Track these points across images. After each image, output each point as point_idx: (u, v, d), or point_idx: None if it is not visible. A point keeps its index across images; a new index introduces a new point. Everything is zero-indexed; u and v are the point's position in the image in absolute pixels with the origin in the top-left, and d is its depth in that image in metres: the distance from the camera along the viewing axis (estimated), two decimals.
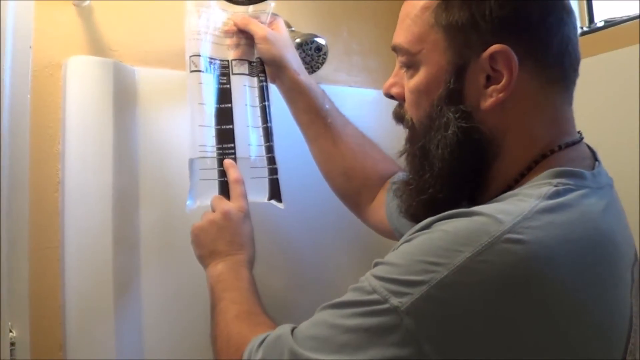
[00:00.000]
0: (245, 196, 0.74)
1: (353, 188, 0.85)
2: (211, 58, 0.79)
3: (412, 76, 0.56)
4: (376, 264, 0.50)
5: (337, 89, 1.01)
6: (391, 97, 0.62)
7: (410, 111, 0.58)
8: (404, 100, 0.59)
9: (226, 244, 0.71)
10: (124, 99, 0.81)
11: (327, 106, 0.83)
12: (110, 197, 0.77)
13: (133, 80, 0.83)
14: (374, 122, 0.94)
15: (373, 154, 0.86)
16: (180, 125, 0.81)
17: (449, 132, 0.52)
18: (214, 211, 0.74)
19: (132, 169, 0.82)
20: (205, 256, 0.72)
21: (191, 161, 0.76)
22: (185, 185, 0.77)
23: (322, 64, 0.92)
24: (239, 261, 0.70)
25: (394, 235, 0.79)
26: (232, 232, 0.71)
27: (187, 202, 0.76)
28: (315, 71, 0.92)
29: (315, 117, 0.83)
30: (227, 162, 0.77)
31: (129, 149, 0.82)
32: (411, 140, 0.58)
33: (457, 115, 0.52)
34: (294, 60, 0.81)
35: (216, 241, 0.71)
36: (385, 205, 0.81)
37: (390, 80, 0.61)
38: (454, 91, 0.53)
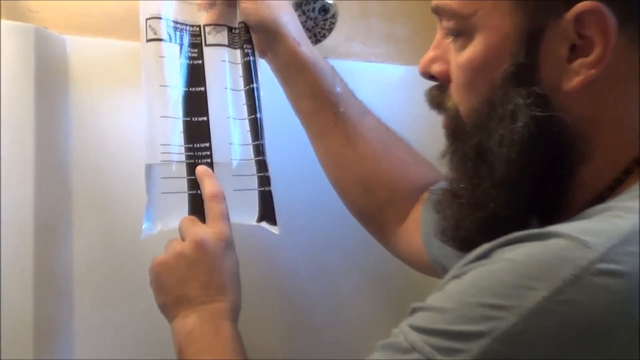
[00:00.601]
0: (226, 217, 0.75)
1: (375, 203, 0.87)
2: (176, 22, 0.81)
3: (462, 47, 0.57)
4: (414, 310, 0.51)
5: (351, 64, 1.03)
6: (431, 77, 0.63)
7: (458, 96, 0.60)
8: (448, 80, 0.61)
9: (200, 287, 0.72)
10: (49, 79, 0.82)
11: (338, 89, 0.84)
12: (31, 221, 0.78)
13: (63, 53, 0.85)
14: (402, 110, 0.94)
15: (402, 155, 0.88)
16: (132, 116, 0.82)
17: (518, 124, 0.53)
18: (182, 239, 0.75)
19: (62, 178, 0.83)
20: (170, 305, 0.72)
21: (148, 168, 0.77)
22: (139, 202, 0.78)
23: (329, 30, 0.94)
24: (218, 311, 0.71)
25: (434, 269, 0.81)
26: (208, 269, 0.72)
27: (143, 226, 0.77)
28: (320, 41, 0.95)
29: (322, 104, 0.84)
30: (201, 169, 0.78)
31: (58, 149, 0.83)
32: (459, 136, 0.60)
33: (528, 101, 0.53)
34: (292, 25, 0.83)
35: (186, 283, 0.72)
36: (422, 226, 0.82)
37: (430, 53, 0.62)
38: (524, 67, 0.53)
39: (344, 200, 0.90)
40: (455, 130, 0.60)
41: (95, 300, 0.85)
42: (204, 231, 0.74)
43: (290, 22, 0.82)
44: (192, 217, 0.77)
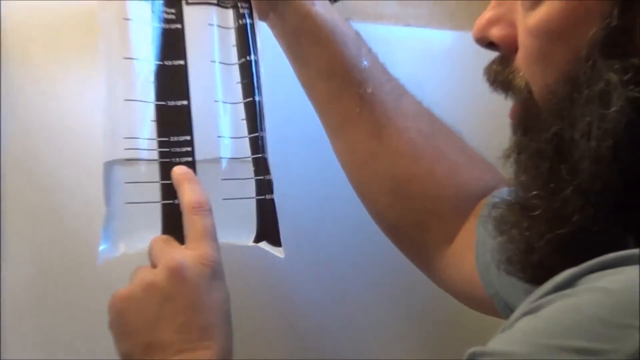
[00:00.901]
0: (213, 235, 0.74)
1: (412, 216, 0.86)
2: None
3: (534, 6, 0.55)
4: (474, 357, 0.50)
5: (383, 30, 1.01)
6: (489, 44, 0.61)
7: (529, 70, 0.58)
8: (514, 49, 0.59)
9: (177, 330, 0.70)
10: None
11: (365, 63, 0.82)
12: None
13: None
14: (451, 90, 0.94)
15: (451, 152, 0.86)
16: (87, 100, 0.81)
17: (611, 108, 0.50)
18: (154, 266, 0.73)
19: None
20: (138, 353, 0.71)
21: (108, 168, 0.75)
22: (94, 214, 0.76)
23: None
24: None
25: (491, 305, 0.79)
26: (188, 305, 0.71)
27: (100, 248, 0.75)
28: None
29: (342, 84, 0.82)
30: (180, 171, 0.76)
31: None
32: (531, 126, 0.58)
33: (625, 77, 0.50)
34: None
35: (158, 325, 0.70)
36: (476, 248, 0.81)
37: (489, 13, 0.61)
38: (618, 32, 0.51)
39: (371, 211, 0.88)
40: (526, 119, 0.58)
41: (30, 351, 0.84)
42: (183, 255, 0.71)
43: None
44: (167, 237, 0.75)
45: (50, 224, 0.86)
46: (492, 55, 0.61)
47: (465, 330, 1.04)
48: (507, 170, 0.61)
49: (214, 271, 0.72)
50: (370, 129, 0.84)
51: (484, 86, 0.61)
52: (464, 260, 0.83)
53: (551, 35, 0.54)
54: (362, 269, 1.02)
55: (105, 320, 0.73)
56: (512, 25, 0.58)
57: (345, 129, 0.85)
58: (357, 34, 0.84)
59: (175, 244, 0.74)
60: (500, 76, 0.60)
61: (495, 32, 0.59)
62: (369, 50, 0.85)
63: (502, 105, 0.61)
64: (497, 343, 0.49)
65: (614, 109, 0.50)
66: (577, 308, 0.46)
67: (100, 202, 0.76)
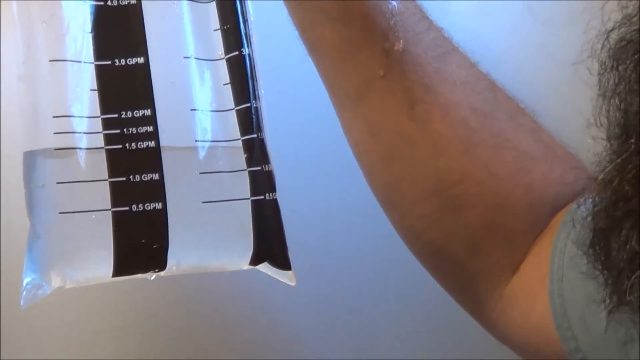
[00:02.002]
0: None
1: (462, 233, 0.71)
2: None
3: None
4: None
5: None
6: None
7: None
8: None
9: None
10: None
11: (393, 2, 0.68)
12: None
13: None
14: (521, 47, 0.86)
15: (521, 138, 0.71)
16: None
17: None
18: None
19: None
20: None
21: (30, 160, 0.64)
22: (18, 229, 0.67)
23: None
24: None
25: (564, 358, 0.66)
26: None
27: (25, 281, 0.63)
28: None
29: (360, 33, 0.69)
30: None
31: None
32: None
33: None
34: None
35: None
36: (551, 280, 0.66)
37: None
38: None
39: (400, 224, 0.74)
40: None
41: None
42: None
43: None
44: None
45: None
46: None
47: None
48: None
49: None
50: (400, 102, 0.68)
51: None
52: (533, 297, 0.68)
53: None
54: (382, 290, 0.96)
55: None
56: None
57: (363, 100, 0.70)
58: None
59: None
60: None
61: None
62: None
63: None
64: None
65: None
66: None
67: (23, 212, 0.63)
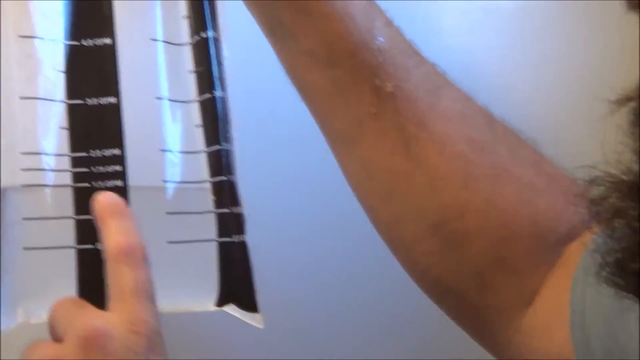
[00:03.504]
0: (148, 294, 0.62)
1: (468, 268, 0.71)
2: None
3: None
4: None
5: None
6: None
7: None
8: None
9: None
10: None
11: (380, 40, 0.68)
12: None
13: None
14: (512, 70, 0.86)
15: (521, 170, 0.72)
16: None
17: None
18: (58, 339, 0.62)
19: None
20: None
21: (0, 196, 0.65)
22: None
23: None
24: None
25: None
26: None
27: None
28: None
29: (349, 73, 0.69)
30: (103, 199, 0.64)
31: None
32: None
33: None
34: None
35: None
36: (572, 310, 0.66)
37: None
38: None
39: (405, 261, 0.74)
40: None
41: None
42: (103, 320, 0.61)
43: None
44: (76, 299, 0.64)
45: None
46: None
47: None
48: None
49: (150, 342, 0.61)
50: (395, 140, 0.69)
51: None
52: (551, 330, 0.69)
53: None
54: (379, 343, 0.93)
55: None
56: None
57: (358, 141, 0.71)
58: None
59: (90, 307, 0.62)
60: None
61: None
62: (388, 22, 0.70)
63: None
64: None
65: None
66: None
67: None
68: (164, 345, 0.62)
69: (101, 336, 0.58)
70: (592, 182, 0.50)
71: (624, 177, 0.49)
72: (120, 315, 0.60)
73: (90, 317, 0.60)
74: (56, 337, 0.61)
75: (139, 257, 0.62)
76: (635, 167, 0.48)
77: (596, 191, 0.50)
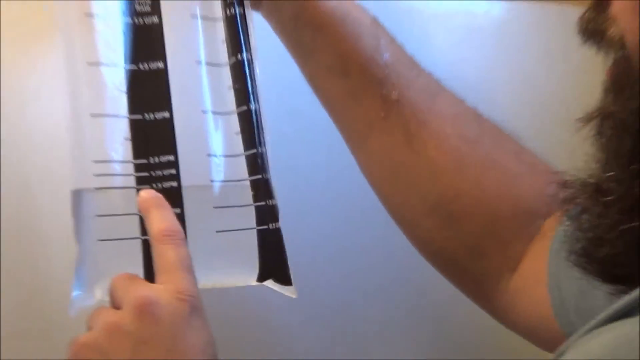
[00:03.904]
0: (188, 267, 0.70)
1: (462, 241, 0.81)
2: None
3: None
4: None
5: (414, 5, 0.98)
6: None
7: (626, 19, 0.54)
8: None
9: None
10: None
11: (385, 56, 0.77)
12: None
13: None
14: (500, 77, 0.90)
15: (505, 158, 0.81)
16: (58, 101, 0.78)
17: None
18: (117, 307, 0.69)
19: None
20: None
21: (76, 197, 0.71)
22: (64, 252, 0.74)
23: None
24: None
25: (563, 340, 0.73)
26: (163, 350, 0.66)
27: (73, 294, 0.71)
28: None
29: (360, 84, 0.78)
30: (145, 195, 0.72)
31: None
32: (620, 89, 0.54)
33: None
34: None
35: None
36: (549, 275, 0.75)
37: None
38: None
39: (411, 237, 0.83)
40: (619, 81, 0.55)
41: None
42: (152, 290, 0.67)
43: None
44: (130, 274, 0.70)
45: (13, 267, 0.83)
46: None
47: None
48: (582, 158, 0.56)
49: (193, 307, 0.67)
50: (400, 137, 0.79)
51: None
52: (533, 291, 0.77)
53: None
54: (393, 310, 0.99)
55: None
56: None
57: (370, 139, 0.80)
58: (374, 20, 0.79)
59: (142, 280, 0.70)
60: (592, 24, 0.57)
61: None
62: (392, 40, 0.79)
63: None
64: None
65: None
66: (633, 343, 0.44)
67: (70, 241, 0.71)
68: (203, 309, 0.68)
69: (151, 303, 0.65)
70: (564, 185, 0.58)
71: (590, 181, 0.55)
72: (166, 285, 0.67)
73: (142, 288, 0.67)
74: (115, 305, 0.68)
75: (178, 238, 0.69)
76: (598, 173, 0.54)
77: (568, 191, 0.57)
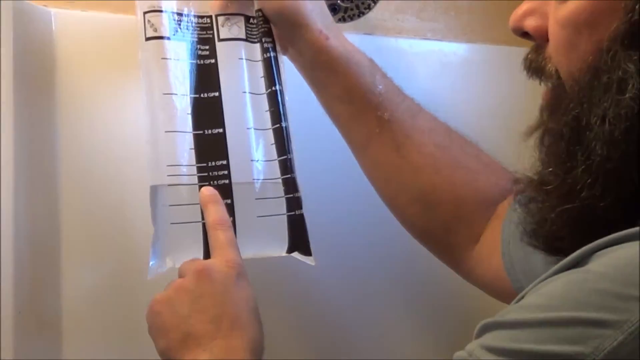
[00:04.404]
0: (234, 245, 0.78)
1: (439, 222, 0.90)
2: (181, 14, 0.84)
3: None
4: (486, 329, 0.53)
5: (402, 43, 1.06)
6: (524, 34, 0.64)
7: (558, 58, 0.61)
8: (546, 39, 0.62)
9: (210, 321, 0.72)
10: (31, 63, 0.84)
11: (379, 88, 0.86)
12: (10, 246, 0.80)
13: (48, 30, 0.87)
14: (466, 99, 0.97)
15: (468, 160, 0.90)
16: (136, 110, 0.86)
17: (627, 95, 0.53)
18: (182, 277, 0.77)
19: (47, 192, 0.87)
20: (175, 346, 0.72)
21: (154, 191, 0.80)
22: (146, 228, 0.80)
23: (374, 1, 0.96)
24: (235, 348, 0.71)
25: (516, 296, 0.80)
26: (218, 301, 0.73)
27: (150, 263, 0.79)
28: (364, 13, 0.98)
29: (361, 109, 0.86)
30: (206, 193, 0.80)
31: (43, 153, 0.86)
32: (554, 108, 0.60)
33: None
34: (318, 15, 0.84)
35: (192, 318, 0.72)
36: (502, 246, 0.85)
37: (525, 5, 0.64)
38: (639, 26, 0.53)
39: (401, 220, 0.92)
40: (554, 102, 0.61)
41: (88, 350, 0.89)
42: (208, 261, 0.75)
43: (315, 11, 0.84)
44: (193, 258, 0.79)
45: (106, 235, 0.90)
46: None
47: None
48: (526, 163, 0.64)
49: (239, 273, 0.74)
50: (391, 146, 0.87)
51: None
52: (491, 258, 0.86)
53: (578, 27, 0.57)
54: (389, 275, 1.06)
55: None
56: (545, 17, 0.61)
57: (369, 147, 0.89)
58: (371, 61, 0.87)
59: (200, 259, 0.78)
60: (534, 63, 0.63)
61: (530, 23, 0.63)
62: (384, 75, 0.88)
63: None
64: (511, 314, 0.51)
65: (628, 95, 0.52)
66: (587, 283, 0.48)
67: (149, 223, 0.80)
68: (246, 274, 0.75)
69: (207, 268, 0.73)
70: (516, 181, 0.66)
71: (534, 177, 0.61)
72: (219, 258, 0.75)
73: (200, 261, 0.76)
74: (181, 276, 0.77)
75: (227, 225, 0.77)
76: (540, 170, 0.61)
77: (519, 186, 0.65)
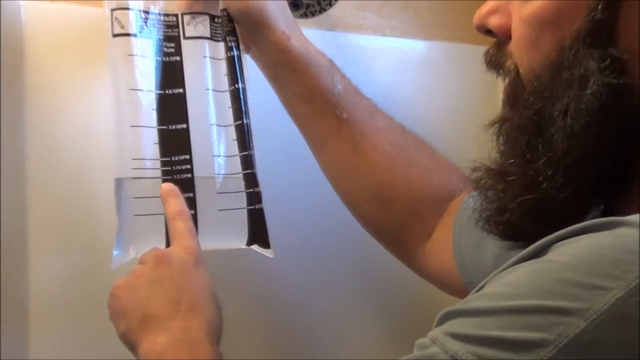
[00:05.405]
0: (193, 234, 0.79)
1: (393, 218, 0.92)
2: (148, 12, 0.85)
3: None
4: (448, 316, 0.53)
5: (362, 39, 1.07)
6: (487, 32, 0.65)
7: (519, 55, 0.62)
8: (509, 37, 0.63)
9: (169, 302, 0.72)
10: (2, 56, 0.84)
11: (338, 88, 0.88)
12: None
13: (17, 21, 0.87)
14: (424, 95, 0.99)
15: (422, 159, 0.92)
16: (106, 102, 0.86)
17: (587, 91, 0.54)
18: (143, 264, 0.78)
19: (15, 187, 0.87)
20: (135, 328, 0.72)
21: (119, 183, 0.81)
22: (111, 220, 0.82)
23: None
24: (193, 328, 0.71)
25: (467, 291, 0.80)
26: (177, 285, 0.73)
27: (114, 253, 0.81)
28: (325, 10, 1.00)
29: (320, 107, 0.88)
30: (166, 188, 0.81)
31: (10, 149, 0.86)
32: (516, 103, 0.61)
33: (602, 65, 0.54)
34: (281, 15, 0.86)
35: (151, 299, 0.73)
36: (453, 242, 0.87)
37: (490, 3, 0.65)
38: (600, 25, 0.55)
39: (356, 216, 0.94)
40: (513, 96, 0.63)
41: (55, 339, 0.90)
42: (167, 249, 0.77)
43: (278, 12, 0.85)
44: (153, 249, 0.79)
45: (72, 228, 0.91)
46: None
47: None
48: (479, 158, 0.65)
49: (197, 259, 0.75)
50: (348, 144, 0.89)
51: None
52: (442, 253, 0.89)
53: (542, 25, 0.58)
54: (348, 266, 1.08)
55: None
56: (509, 15, 0.63)
57: (327, 145, 0.91)
58: (331, 62, 0.89)
59: (161, 248, 0.79)
60: (494, 58, 0.65)
61: (493, 21, 0.64)
62: (342, 76, 0.90)
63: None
64: (469, 302, 0.53)
65: (589, 91, 0.53)
66: (550, 272, 0.49)
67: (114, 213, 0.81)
68: (204, 262, 0.76)
69: (166, 255, 0.74)
70: (475, 169, 0.65)
71: (493, 166, 0.62)
72: (178, 246, 0.76)
73: (160, 249, 0.77)
74: (141, 263, 0.77)
75: (186, 216, 0.78)
76: (500, 161, 0.62)
77: (477, 174, 0.64)
